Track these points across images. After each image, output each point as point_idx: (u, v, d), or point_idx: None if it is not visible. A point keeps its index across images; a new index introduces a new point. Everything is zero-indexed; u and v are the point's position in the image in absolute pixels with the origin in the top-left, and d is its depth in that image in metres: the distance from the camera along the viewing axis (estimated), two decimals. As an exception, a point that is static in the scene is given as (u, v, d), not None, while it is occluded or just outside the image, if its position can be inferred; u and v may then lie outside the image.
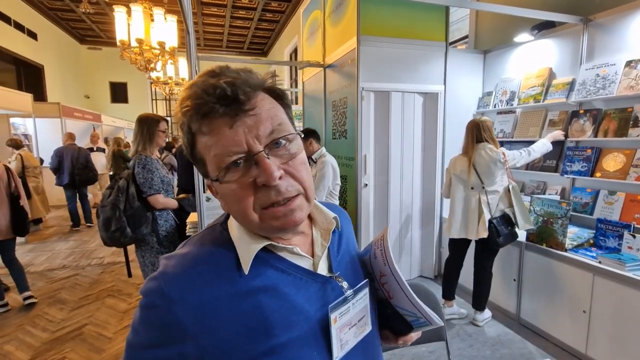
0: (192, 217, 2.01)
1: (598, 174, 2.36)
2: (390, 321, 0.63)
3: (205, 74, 0.47)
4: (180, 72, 5.92)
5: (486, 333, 2.44)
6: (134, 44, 3.49)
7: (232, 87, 0.44)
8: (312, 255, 0.56)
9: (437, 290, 2.82)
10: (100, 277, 3.62)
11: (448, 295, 2.65)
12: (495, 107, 3.19)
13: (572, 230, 2.37)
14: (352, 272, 0.60)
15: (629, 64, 2.21)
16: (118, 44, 3.45)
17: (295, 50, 8.42)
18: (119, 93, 11.98)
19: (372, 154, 3.14)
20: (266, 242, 0.50)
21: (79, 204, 5.67)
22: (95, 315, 2.84)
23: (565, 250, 2.24)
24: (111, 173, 6.22)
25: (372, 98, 3.07)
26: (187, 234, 1.95)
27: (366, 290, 0.59)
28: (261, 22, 9.19)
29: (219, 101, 0.43)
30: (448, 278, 2.66)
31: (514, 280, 2.57)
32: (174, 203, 2.05)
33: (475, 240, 2.46)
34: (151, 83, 6.45)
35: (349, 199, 3.17)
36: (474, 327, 2.51)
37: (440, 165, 3.25)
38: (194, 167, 0.51)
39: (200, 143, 0.47)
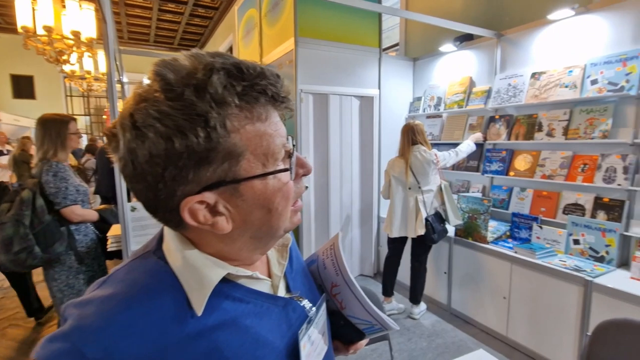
0: (115, 230, 1.79)
1: (512, 173, 2.64)
2: (341, 332, 0.61)
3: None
4: (100, 66, 5.33)
5: (422, 325, 2.59)
6: (40, 31, 3.04)
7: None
8: (269, 276, 0.51)
9: (377, 287, 2.92)
10: None
11: (387, 292, 2.76)
12: (424, 111, 3.41)
13: (492, 224, 2.62)
14: (308, 288, 0.57)
15: (533, 75, 2.51)
16: (20, 30, 2.98)
17: (231, 49, 8.13)
18: (23, 87, 10.39)
19: (311, 156, 3.15)
20: (226, 271, 0.42)
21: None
22: (-6, 349, 2.41)
23: (488, 243, 2.47)
24: (15, 182, 5.36)
25: (311, 100, 3.07)
26: (109, 249, 1.74)
27: (324, 306, 0.56)
28: (193, 18, 8.70)
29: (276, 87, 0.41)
30: (387, 275, 2.77)
31: (445, 273, 2.76)
32: (93, 215, 1.82)
33: (412, 238, 2.59)
34: (65, 77, 5.70)
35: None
36: (412, 321, 2.64)
37: (377, 166, 3.38)
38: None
39: (247, 132, 0.38)
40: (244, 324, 0.43)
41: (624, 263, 2.05)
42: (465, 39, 3.04)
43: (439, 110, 3.26)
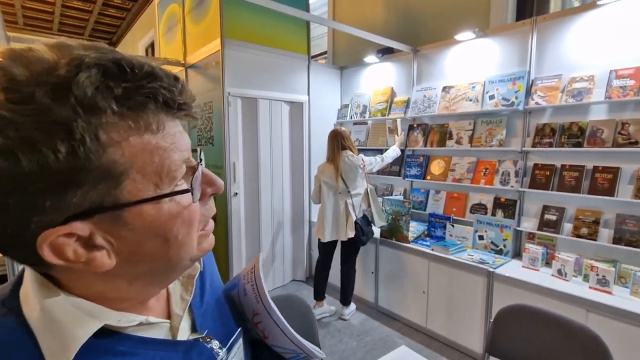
0: None
1: (428, 177, 2.89)
2: None
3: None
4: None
5: (352, 325, 2.68)
6: None
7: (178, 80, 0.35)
8: (169, 317, 0.43)
9: (309, 291, 2.94)
10: None
11: (319, 295, 2.79)
12: (351, 118, 3.55)
13: (413, 225, 2.83)
14: (221, 323, 0.50)
15: (444, 89, 2.78)
16: None
17: (152, 45, 7.54)
18: None
19: (241, 162, 3.06)
20: (101, 323, 0.33)
21: None
22: None
23: (409, 242, 2.66)
24: None
25: (240, 104, 2.99)
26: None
27: (240, 342, 0.51)
28: (107, 8, 7.89)
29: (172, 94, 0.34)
30: (319, 279, 2.81)
31: (372, 272, 2.90)
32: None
33: (342, 241, 2.67)
34: None
35: (218, 209, 2.98)
36: (342, 322, 2.72)
37: (307, 171, 3.42)
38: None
39: (131, 145, 0.30)
40: None
41: (518, 254, 2.38)
42: (386, 52, 3.25)
43: (364, 117, 3.43)
